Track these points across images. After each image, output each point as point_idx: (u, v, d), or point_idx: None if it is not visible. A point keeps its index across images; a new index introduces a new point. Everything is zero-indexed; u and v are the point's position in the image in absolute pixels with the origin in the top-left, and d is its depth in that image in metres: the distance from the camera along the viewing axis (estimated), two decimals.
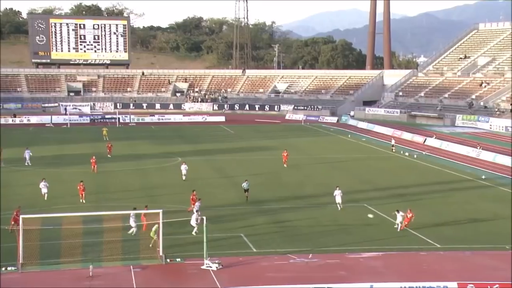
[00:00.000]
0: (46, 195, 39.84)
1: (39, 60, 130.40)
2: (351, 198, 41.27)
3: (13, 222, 31.03)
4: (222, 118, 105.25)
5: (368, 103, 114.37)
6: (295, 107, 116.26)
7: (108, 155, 59.93)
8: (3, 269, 26.58)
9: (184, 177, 47.13)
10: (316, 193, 43.26)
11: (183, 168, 47.71)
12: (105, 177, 49.48)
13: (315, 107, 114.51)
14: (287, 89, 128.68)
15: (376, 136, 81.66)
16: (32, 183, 44.39)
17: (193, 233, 31.70)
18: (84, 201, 36.92)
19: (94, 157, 52.31)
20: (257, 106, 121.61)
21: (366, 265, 28.32)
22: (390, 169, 55.55)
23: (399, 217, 34.01)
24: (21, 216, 27.72)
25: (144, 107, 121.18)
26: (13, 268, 26.68)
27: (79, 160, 57.81)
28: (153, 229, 29.96)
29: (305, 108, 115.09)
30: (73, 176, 50.23)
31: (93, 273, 26.06)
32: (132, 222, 31.58)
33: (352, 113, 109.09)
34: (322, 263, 28.41)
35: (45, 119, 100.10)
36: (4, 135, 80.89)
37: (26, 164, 54.72)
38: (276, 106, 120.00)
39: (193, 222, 32.16)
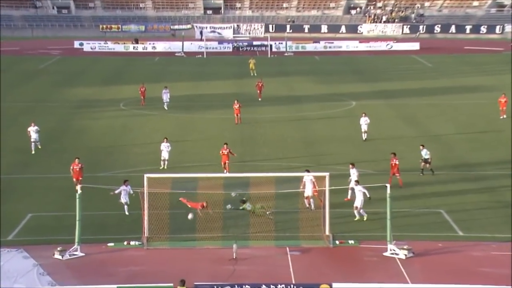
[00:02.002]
0: (165, 162, 39.74)
1: None
2: None
3: (200, 207, 31.02)
4: (415, 46, 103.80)
5: None
6: None
7: (259, 98, 61.50)
8: (125, 243, 28.59)
9: (364, 135, 46.98)
10: None
11: (364, 121, 47.15)
12: (252, 128, 50.98)
13: None
14: None
15: None
16: (157, 134, 46.79)
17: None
18: (227, 172, 37.24)
19: (238, 102, 52.78)
20: (468, 28, 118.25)
21: None
22: None
23: None
24: (145, 175, 29.45)
25: (306, 31, 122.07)
26: (137, 243, 28.60)
27: (218, 103, 60.01)
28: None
29: None
30: (209, 124, 52.38)
31: (237, 254, 27.28)
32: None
33: None
34: None
35: (174, 46, 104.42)
36: (122, 66, 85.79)
37: (165, 108, 57.38)
38: (498, 27, 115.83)
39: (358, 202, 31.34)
